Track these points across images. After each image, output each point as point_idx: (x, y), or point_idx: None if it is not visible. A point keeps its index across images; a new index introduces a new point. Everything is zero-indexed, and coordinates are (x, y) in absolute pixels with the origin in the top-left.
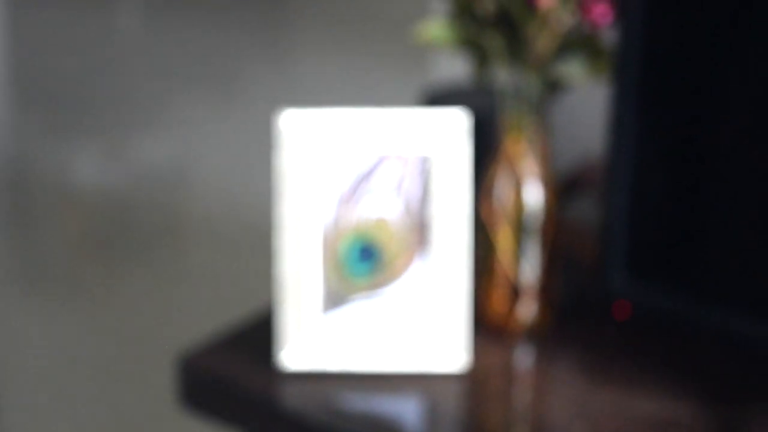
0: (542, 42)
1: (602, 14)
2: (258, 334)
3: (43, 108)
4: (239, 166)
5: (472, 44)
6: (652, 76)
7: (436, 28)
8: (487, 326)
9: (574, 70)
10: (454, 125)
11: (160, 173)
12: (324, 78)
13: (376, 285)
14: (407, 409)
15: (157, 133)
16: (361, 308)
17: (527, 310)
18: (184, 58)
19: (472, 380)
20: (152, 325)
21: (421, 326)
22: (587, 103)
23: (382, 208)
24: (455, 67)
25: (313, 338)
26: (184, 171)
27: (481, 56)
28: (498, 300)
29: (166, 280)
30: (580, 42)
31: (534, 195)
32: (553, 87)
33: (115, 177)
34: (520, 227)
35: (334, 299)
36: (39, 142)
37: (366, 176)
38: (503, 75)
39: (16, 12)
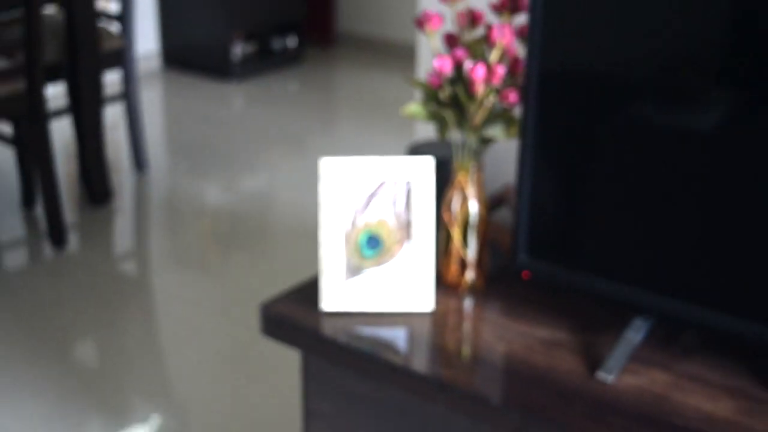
0: (478, 115)
1: (513, 98)
2: (310, 290)
3: (186, 157)
4: (303, 194)
5: (437, 117)
6: (544, 135)
7: (415, 107)
8: (446, 285)
9: (497, 133)
10: (426, 165)
11: (256, 198)
12: (353, 139)
13: (380, 261)
14: (397, 334)
15: (255, 173)
16: (371, 275)
17: (470, 276)
18: (271, 126)
19: (437, 317)
20: (251, 288)
21: (405, 284)
22: (506, 151)
23: (383, 214)
24: (428, 131)
25: (342, 293)
26: (270, 196)
27: (442, 124)
28: (453, 269)
29: (259, 262)
30: (500, 115)
31: (474, 207)
32: (485, 142)
33: (229, 200)
34: (465, 226)
35: (354, 270)
36: (184, 178)
37: (373, 195)
38: (456, 135)
39: (170, 98)
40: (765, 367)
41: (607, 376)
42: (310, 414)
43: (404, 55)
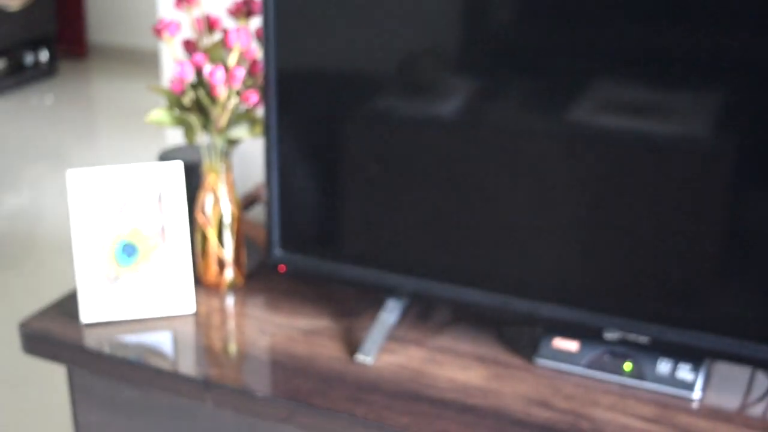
0: (222, 118)
1: (254, 98)
2: (70, 303)
3: None
4: (66, 209)
5: (183, 122)
6: (287, 132)
7: (160, 113)
8: (206, 285)
9: (242, 133)
10: (175, 169)
11: (20, 217)
12: (113, 149)
13: (137, 267)
14: (162, 339)
15: (16, 192)
16: (129, 281)
17: (228, 274)
18: (29, 143)
19: (199, 318)
20: (17, 309)
21: (165, 288)
22: (253, 150)
23: (136, 221)
24: (177, 136)
25: (102, 302)
26: (35, 214)
27: (188, 129)
28: (212, 270)
29: (26, 282)
30: (243, 115)
31: (226, 207)
32: (231, 143)
33: None
34: (220, 226)
35: (113, 277)
36: None
37: (126, 203)
38: (203, 138)
39: None
40: (508, 334)
41: (365, 357)
42: (80, 427)
43: (153, 63)
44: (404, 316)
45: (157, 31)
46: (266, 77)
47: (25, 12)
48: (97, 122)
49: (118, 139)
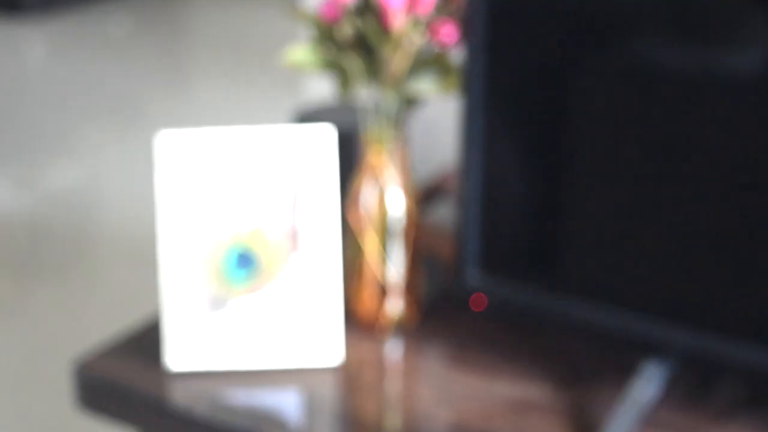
0: (397, 62)
1: (449, 35)
2: (148, 339)
3: None
4: (141, 187)
5: (335, 66)
6: (497, 90)
7: (300, 52)
8: (359, 323)
9: (426, 87)
10: (322, 140)
11: (67, 196)
12: (213, 102)
13: (254, 289)
14: (287, 401)
15: (64, 159)
16: (241, 310)
17: (394, 307)
18: (89, 87)
19: (347, 373)
20: (60, 335)
21: (297, 325)
22: (441, 116)
23: (258, 218)
24: (323, 88)
25: (197, 340)
26: (90, 193)
27: (343, 77)
28: (367, 298)
29: (72, 298)
30: (430, 61)
31: (396, 202)
32: (409, 102)
33: (25, 202)
34: (385, 231)
35: (216, 303)
36: None
37: (241, 189)
38: (364, 93)
39: None
40: None
41: None
42: None
43: None
44: (670, 389)
45: None
46: (472, 2)
47: None
48: (192, 62)
49: (222, 89)
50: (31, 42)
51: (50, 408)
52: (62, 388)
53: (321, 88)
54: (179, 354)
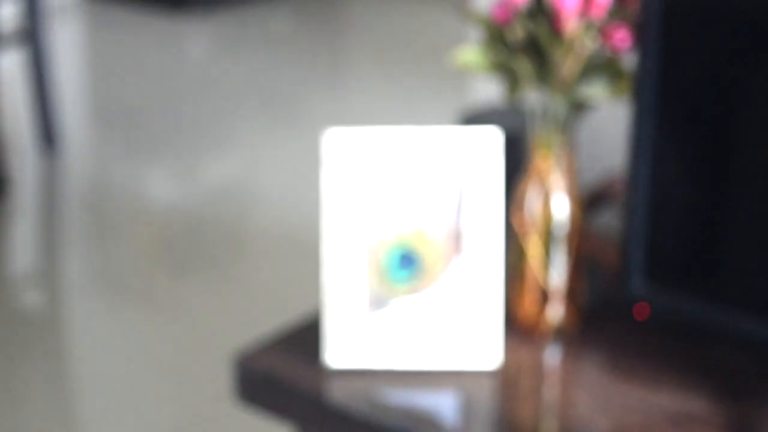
0: (567, 66)
1: (622, 39)
2: (308, 335)
3: (120, 131)
4: (298, 183)
5: (504, 68)
6: (669, 96)
7: (470, 53)
8: (519, 327)
9: (597, 92)
10: (488, 142)
11: (225, 191)
12: (373, 101)
13: (415, 289)
14: (444, 404)
15: (223, 154)
16: (401, 311)
17: (555, 313)
18: (250, 83)
19: (505, 377)
20: (217, 328)
21: (456, 327)
22: (610, 121)
23: (421, 219)
24: (490, 90)
25: (357, 339)
26: (248, 188)
27: (512, 79)
28: (528, 303)
29: (230, 288)
30: (602, 65)
31: (561, 207)
32: (578, 107)
33: (184, 194)
34: (548, 236)
35: (377, 303)
36: (117, 162)
37: (406, 189)
38: (533, 96)
39: (94, 41)
40: None
41: None
42: None
43: None
44: None
45: None
46: (646, 6)
47: None
48: (353, 60)
49: (384, 87)
50: (194, 39)
51: (207, 401)
52: (220, 381)
53: (488, 90)
54: (339, 351)
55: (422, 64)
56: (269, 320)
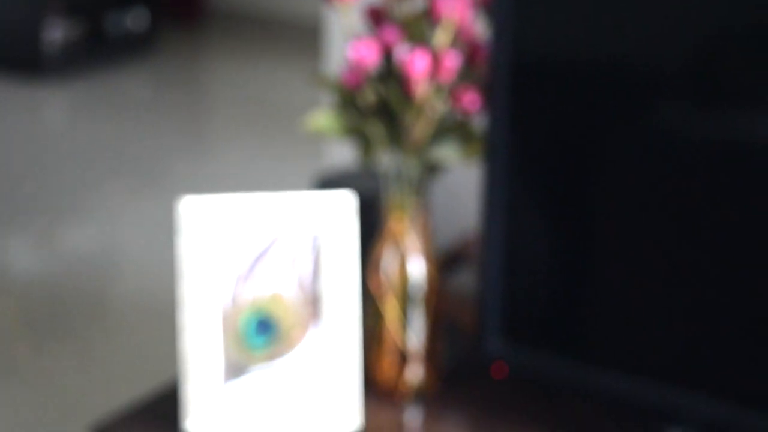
0: (419, 128)
1: (472, 101)
2: (167, 404)
3: None
4: (159, 250)
5: (357, 132)
6: (520, 156)
7: (323, 118)
8: (378, 390)
9: (449, 153)
10: (342, 206)
11: (86, 260)
12: (233, 166)
13: (273, 355)
14: None
15: (83, 222)
16: (260, 377)
17: (414, 374)
18: (109, 148)
19: None
20: (79, 399)
21: (315, 391)
22: (463, 183)
23: (277, 284)
24: (345, 153)
25: (216, 407)
26: (108, 256)
27: (365, 143)
28: (387, 365)
29: (91, 358)
30: (453, 127)
31: (417, 268)
32: (431, 169)
33: (44, 264)
34: (405, 298)
35: (235, 370)
36: None
37: (262, 255)
38: (386, 159)
39: None
40: None
41: None
42: None
43: (306, 39)
44: None
45: None
46: (494, 69)
47: None
48: (212, 124)
49: (243, 151)
50: (52, 105)
51: None
52: None
53: (344, 154)
54: (199, 420)
55: (281, 127)
56: (130, 390)
